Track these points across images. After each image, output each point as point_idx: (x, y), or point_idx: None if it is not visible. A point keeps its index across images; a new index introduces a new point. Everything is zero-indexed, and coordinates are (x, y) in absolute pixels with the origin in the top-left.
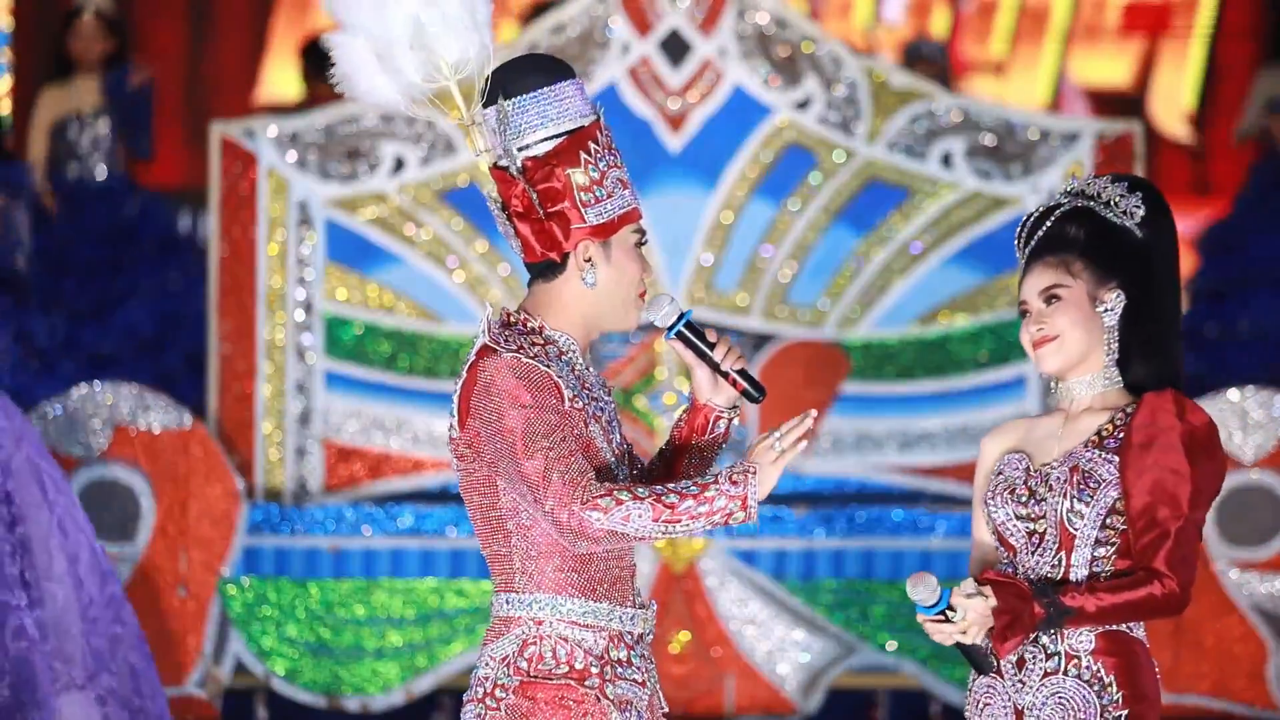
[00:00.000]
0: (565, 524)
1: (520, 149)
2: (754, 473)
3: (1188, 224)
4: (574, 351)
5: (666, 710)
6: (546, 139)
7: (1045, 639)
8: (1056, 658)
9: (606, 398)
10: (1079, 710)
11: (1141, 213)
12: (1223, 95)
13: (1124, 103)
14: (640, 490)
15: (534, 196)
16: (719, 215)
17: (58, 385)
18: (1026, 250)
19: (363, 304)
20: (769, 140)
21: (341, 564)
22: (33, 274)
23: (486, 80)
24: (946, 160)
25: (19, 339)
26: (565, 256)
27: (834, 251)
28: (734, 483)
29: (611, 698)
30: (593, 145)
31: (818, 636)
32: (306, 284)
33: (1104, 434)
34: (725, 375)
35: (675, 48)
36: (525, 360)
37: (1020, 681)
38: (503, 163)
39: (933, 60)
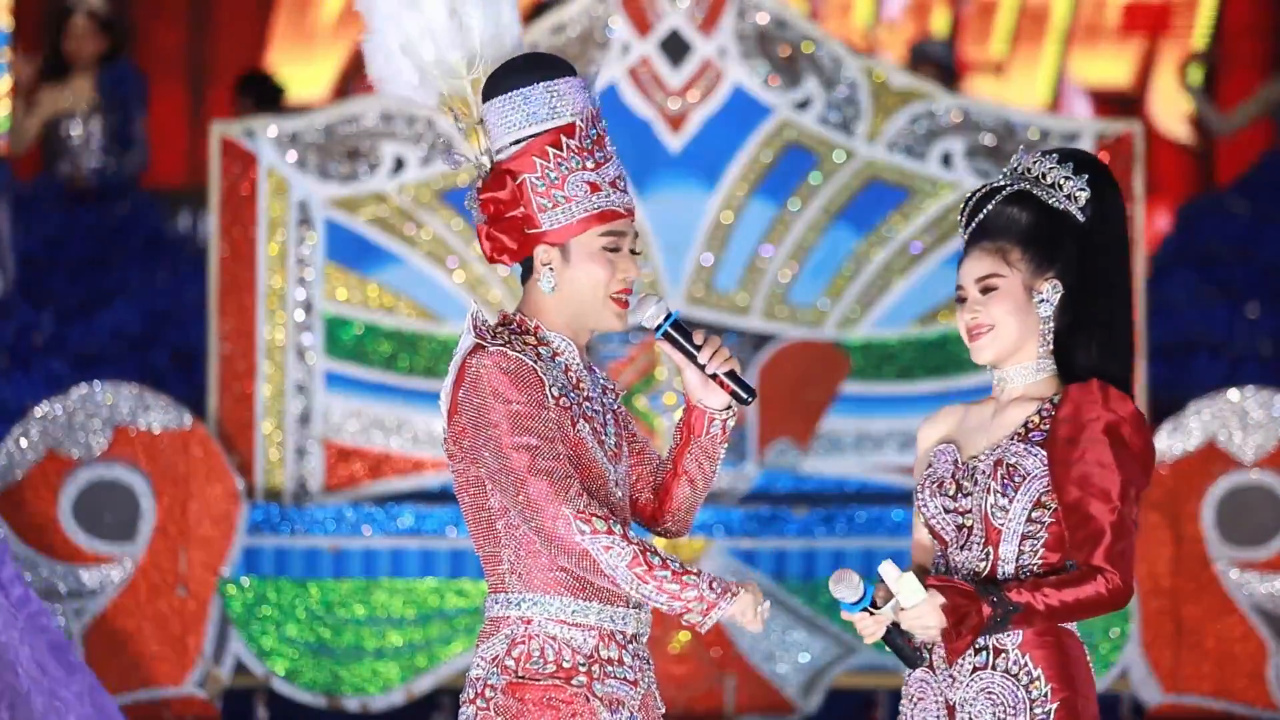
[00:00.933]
0: (549, 524)
1: (496, 152)
2: (734, 595)
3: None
4: (570, 352)
5: (664, 710)
6: (513, 143)
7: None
8: (985, 653)
9: (605, 399)
10: (1008, 704)
11: (1085, 196)
12: (1223, 95)
13: (1124, 103)
14: (633, 535)
15: (476, 203)
16: (719, 215)
17: (48, 385)
18: (966, 232)
19: (363, 304)
20: (769, 140)
21: (341, 564)
22: (20, 273)
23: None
24: (946, 160)
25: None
26: (528, 261)
27: (834, 251)
28: (712, 589)
29: (601, 696)
30: (554, 150)
31: (818, 636)
32: (306, 284)
33: (1030, 426)
34: (713, 377)
35: (675, 48)
36: (512, 355)
37: (951, 677)
38: (480, 169)
39: (939, 61)
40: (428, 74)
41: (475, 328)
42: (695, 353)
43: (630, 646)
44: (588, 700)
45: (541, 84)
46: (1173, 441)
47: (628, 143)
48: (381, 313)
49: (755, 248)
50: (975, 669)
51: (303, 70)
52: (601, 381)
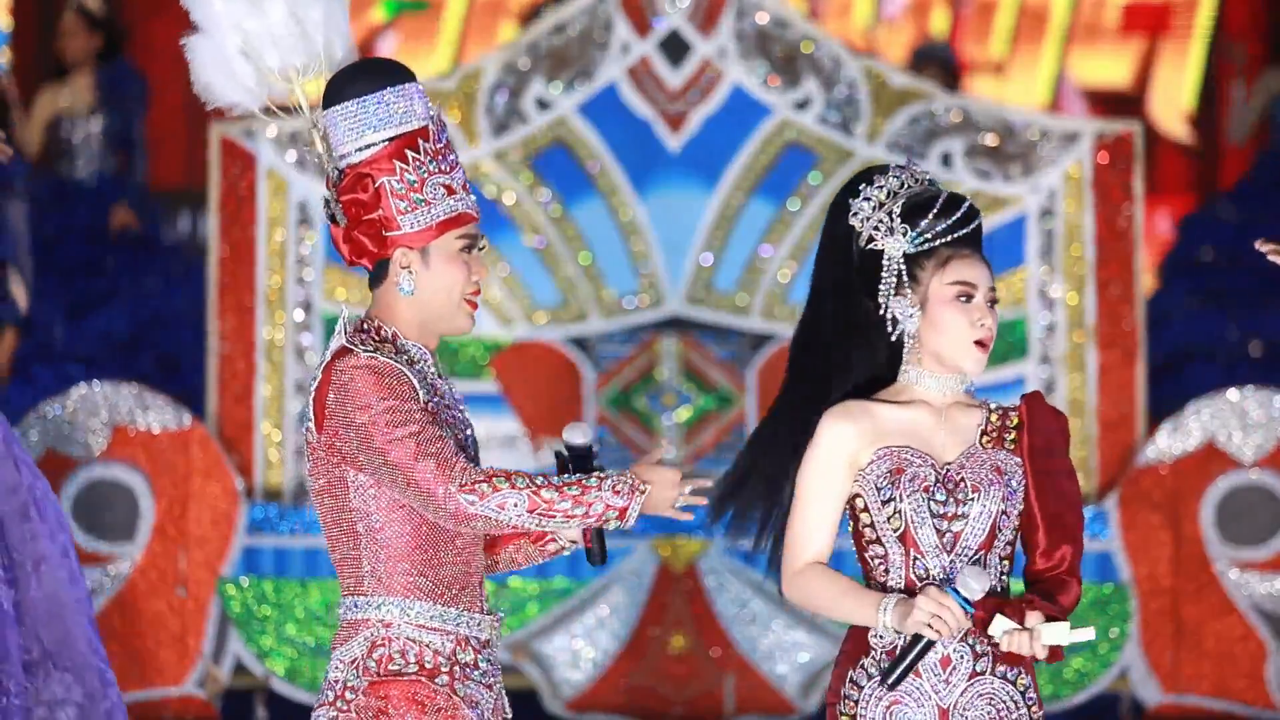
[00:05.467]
0: (441, 505)
1: (341, 157)
2: (643, 491)
3: (1185, 221)
4: (425, 360)
5: (509, 716)
6: (364, 147)
7: (972, 639)
8: (985, 658)
9: (458, 411)
10: (1007, 707)
11: None
12: (1223, 95)
13: (1124, 103)
14: (518, 479)
15: (338, 206)
16: (719, 215)
17: (47, 383)
18: (959, 231)
19: (362, 304)
20: (769, 140)
21: None
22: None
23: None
24: (946, 160)
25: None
26: (382, 264)
27: None
28: (616, 492)
29: (462, 695)
30: (411, 153)
31: (817, 636)
32: (306, 284)
33: (992, 432)
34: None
35: (675, 48)
36: (382, 359)
37: (945, 681)
38: (331, 172)
39: (942, 62)
40: (265, 79)
41: (345, 332)
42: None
43: (484, 652)
44: (450, 697)
45: (391, 87)
46: (1172, 441)
47: (627, 142)
48: None
49: (755, 248)
50: (973, 674)
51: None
52: (455, 395)
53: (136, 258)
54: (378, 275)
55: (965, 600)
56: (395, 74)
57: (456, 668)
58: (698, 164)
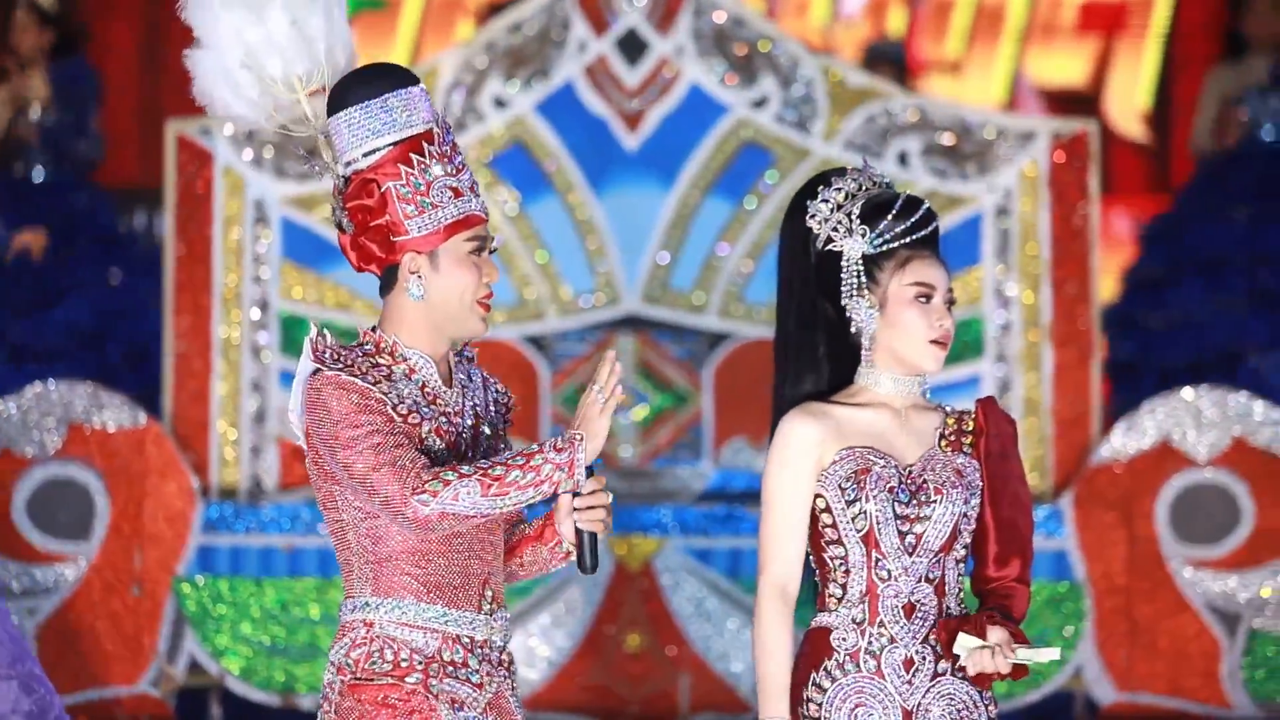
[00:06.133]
0: (400, 512)
1: (347, 164)
2: (580, 439)
3: (1145, 223)
4: (428, 369)
5: (517, 716)
6: (370, 153)
7: (934, 640)
8: (944, 661)
9: (479, 411)
10: (968, 707)
11: None
12: (1179, 94)
13: (1080, 102)
14: (465, 468)
15: (344, 214)
16: (675, 213)
17: (6, 384)
18: (918, 233)
19: (318, 302)
20: (726, 139)
21: (296, 563)
22: None
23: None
24: (903, 159)
25: None
26: (391, 270)
27: None
28: (558, 450)
29: (438, 694)
30: (417, 156)
31: None
32: (262, 282)
33: (950, 436)
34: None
35: (632, 47)
36: (345, 377)
37: (909, 683)
38: (337, 179)
39: (894, 61)
40: (268, 88)
41: (314, 352)
42: (574, 498)
43: (479, 651)
44: (425, 698)
45: (393, 93)
46: (1127, 440)
47: (584, 141)
48: (337, 311)
49: (712, 246)
50: (935, 675)
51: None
52: (473, 397)
53: (97, 252)
54: (387, 282)
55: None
56: (398, 78)
57: (436, 665)
58: (655, 163)
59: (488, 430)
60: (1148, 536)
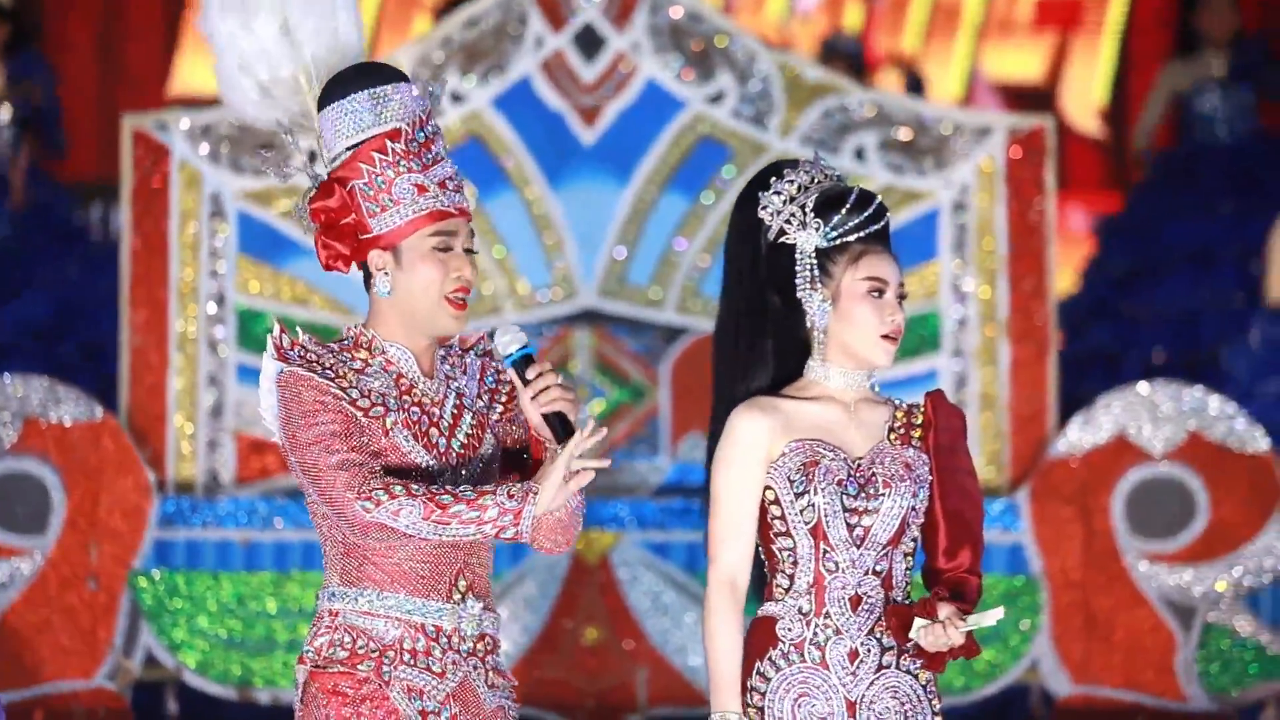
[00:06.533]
0: (342, 511)
1: (331, 162)
2: (535, 493)
3: (1100, 218)
4: (406, 360)
5: (510, 704)
6: (342, 152)
7: (879, 633)
8: (891, 652)
9: (447, 409)
10: (913, 699)
11: None
12: (1134, 90)
13: (1036, 97)
14: (416, 487)
15: (305, 213)
16: (632, 208)
17: None
18: (871, 227)
19: (275, 297)
20: (682, 134)
21: (253, 557)
22: None
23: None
24: (860, 154)
25: None
26: (364, 267)
27: None
28: (511, 497)
29: (391, 681)
30: (379, 155)
31: None
32: (219, 276)
33: (899, 429)
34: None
35: (589, 42)
36: (302, 373)
37: (853, 674)
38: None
39: (849, 56)
40: (267, 92)
41: (277, 350)
42: (523, 388)
43: (444, 640)
44: (378, 686)
45: (365, 91)
46: (1083, 434)
47: (541, 136)
48: (294, 305)
49: (669, 241)
50: (880, 667)
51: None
52: (459, 387)
53: (54, 246)
54: (367, 279)
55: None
56: (377, 76)
57: (393, 653)
58: (612, 158)
59: (470, 419)
60: (1104, 530)
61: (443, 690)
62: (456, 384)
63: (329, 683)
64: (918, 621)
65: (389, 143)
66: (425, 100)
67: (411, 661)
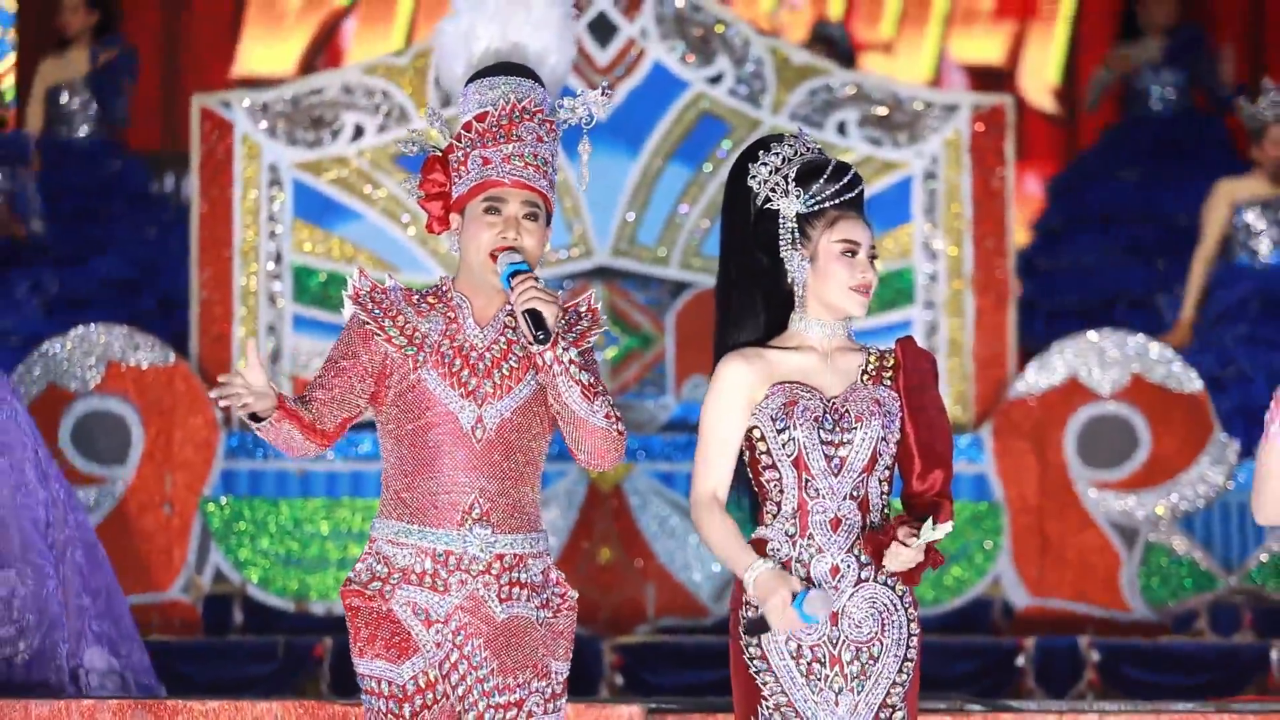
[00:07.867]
0: None
1: None
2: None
3: (1049, 179)
4: (464, 308)
5: (524, 617)
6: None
7: (857, 550)
8: (869, 567)
9: (489, 355)
10: (889, 607)
11: None
12: (1084, 71)
13: (997, 78)
14: (308, 412)
15: (416, 181)
16: (641, 177)
17: (54, 327)
18: (845, 195)
19: (326, 255)
20: (685, 111)
21: (308, 485)
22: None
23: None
24: (842, 129)
25: (34, 289)
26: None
27: None
28: (289, 417)
29: (391, 597)
30: (465, 134)
31: None
32: (276, 237)
33: (872, 371)
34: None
35: (602, 29)
36: (354, 311)
37: (834, 587)
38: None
39: (836, 41)
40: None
41: (354, 291)
42: (510, 293)
43: (450, 561)
44: (383, 601)
45: (476, 81)
46: (1039, 377)
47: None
48: (343, 263)
49: (674, 206)
50: (859, 581)
51: (273, 47)
52: (510, 336)
53: (131, 210)
54: None
55: (806, 615)
56: (493, 70)
57: (398, 574)
58: (623, 132)
59: (513, 363)
60: (1057, 462)
61: (447, 604)
62: (510, 334)
63: (349, 599)
64: (888, 553)
65: (475, 123)
66: (534, 93)
67: (417, 581)
